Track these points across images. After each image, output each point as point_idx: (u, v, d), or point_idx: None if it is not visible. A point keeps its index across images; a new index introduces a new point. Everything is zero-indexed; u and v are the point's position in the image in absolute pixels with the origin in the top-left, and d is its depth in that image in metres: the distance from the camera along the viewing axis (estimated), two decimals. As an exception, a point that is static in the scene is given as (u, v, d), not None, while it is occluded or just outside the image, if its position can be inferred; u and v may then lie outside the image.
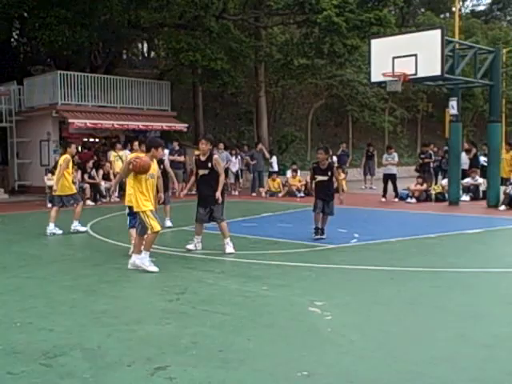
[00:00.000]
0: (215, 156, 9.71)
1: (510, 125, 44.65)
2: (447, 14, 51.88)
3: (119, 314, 5.96)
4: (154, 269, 8.00)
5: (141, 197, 8.16)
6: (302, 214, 15.60)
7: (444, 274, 7.92)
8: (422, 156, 21.43)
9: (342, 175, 23.12)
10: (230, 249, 9.46)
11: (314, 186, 11.20)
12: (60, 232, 11.71)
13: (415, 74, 14.54)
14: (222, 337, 5.21)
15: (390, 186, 19.01)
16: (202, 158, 9.58)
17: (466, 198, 18.27)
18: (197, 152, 10.19)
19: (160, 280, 7.53)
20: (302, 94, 34.66)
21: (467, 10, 63.53)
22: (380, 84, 17.04)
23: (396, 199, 18.70)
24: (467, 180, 18.96)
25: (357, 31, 22.51)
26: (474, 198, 18.26)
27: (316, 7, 21.75)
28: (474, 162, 20.04)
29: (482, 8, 66.28)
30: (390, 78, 14.82)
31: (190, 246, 9.71)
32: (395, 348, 4.96)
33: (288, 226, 12.84)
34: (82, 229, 12.01)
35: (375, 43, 15.67)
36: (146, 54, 37.92)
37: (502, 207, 15.64)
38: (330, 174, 10.79)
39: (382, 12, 22.36)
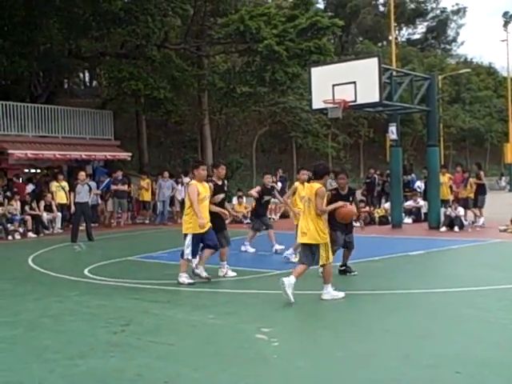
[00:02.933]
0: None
1: (448, 148, 46.14)
2: (384, 43, 53.51)
3: (62, 349, 5.80)
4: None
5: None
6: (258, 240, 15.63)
7: (389, 296, 8.03)
8: (368, 180, 21.85)
9: (288, 200, 23.33)
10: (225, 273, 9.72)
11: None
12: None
13: (355, 101, 14.86)
14: (167, 368, 5.13)
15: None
16: (219, 183, 9.92)
17: (408, 220, 18.67)
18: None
19: (104, 312, 7.38)
20: (246, 121, 34.95)
21: (403, 39, 65.72)
22: (321, 111, 17.35)
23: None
24: (409, 203, 19.40)
25: (297, 59, 22.95)
26: (416, 220, 18.68)
27: (257, 36, 22.08)
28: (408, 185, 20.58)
29: (417, 36, 68.64)
30: (331, 105, 15.10)
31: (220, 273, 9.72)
32: (341, 372, 4.98)
33: (235, 253, 12.78)
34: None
35: (315, 71, 15.97)
36: (88, 83, 37.61)
37: (443, 228, 16.04)
38: (351, 199, 9.42)
39: (322, 41, 22.88)
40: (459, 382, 4.70)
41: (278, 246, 12.32)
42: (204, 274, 9.21)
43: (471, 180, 17.37)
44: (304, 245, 7.86)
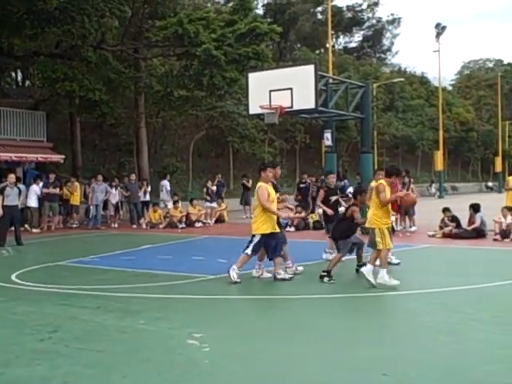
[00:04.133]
0: None
1: (381, 155, 47.18)
2: (322, 50, 54.29)
3: (-15, 358, 5.60)
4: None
5: None
6: (183, 245, 15.56)
7: (323, 301, 8.14)
8: (302, 185, 22.08)
9: (223, 205, 23.35)
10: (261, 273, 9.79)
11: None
12: None
13: (291, 107, 15.01)
14: (96, 375, 5.03)
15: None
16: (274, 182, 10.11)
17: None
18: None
19: (31, 318, 7.16)
20: (183, 125, 34.74)
21: (340, 47, 66.85)
22: (258, 116, 17.44)
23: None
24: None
25: (235, 64, 22.99)
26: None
27: (195, 40, 22.00)
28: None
29: (354, 45, 69.96)
30: (268, 111, 15.21)
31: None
32: (272, 376, 5.00)
33: (168, 258, 12.70)
34: None
35: (252, 76, 16.06)
36: (21, 83, 36.55)
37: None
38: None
39: (260, 47, 23.00)
40: (387, 383, 4.80)
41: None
42: (287, 276, 9.64)
43: (412, 187, 17.78)
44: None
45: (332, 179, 12.43)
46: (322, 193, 12.19)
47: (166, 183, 23.43)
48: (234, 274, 9.30)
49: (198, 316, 7.27)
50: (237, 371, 5.11)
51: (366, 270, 8.89)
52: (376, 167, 30.93)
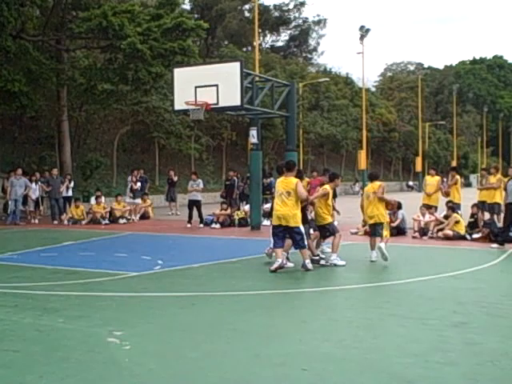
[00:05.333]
0: None
1: (307, 153, 47.91)
2: (249, 48, 54.46)
3: None
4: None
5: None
6: (106, 242, 15.28)
7: (244, 297, 8.17)
8: (227, 182, 22.10)
9: (148, 201, 23.09)
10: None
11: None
12: None
13: (217, 104, 15.02)
14: (11, 376, 4.86)
15: (195, 211, 19.30)
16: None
17: (267, 222, 19.07)
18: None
19: None
20: (108, 119, 34.08)
21: (267, 45, 67.32)
22: (184, 112, 17.32)
23: (201, 225, 19.02)
24: (268, 205, 19.83)
25: (161, 59, 22.75)
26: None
27: (120, 33, 21.61)
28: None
29: (280, 44, 70.59)
30: (193, 107, 15.15)
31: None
32: (193, 373, 4.99)
33: (90, 255, 12.43)
34: None
35: (178, 72, 15.95)
36: None
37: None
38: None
39: (186, 42, 22.86)
40: (306, 378, 4.87)
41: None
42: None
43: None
44: (372, 225, 11.60)
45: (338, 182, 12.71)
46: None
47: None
48: (311, 266, 10.24)
49: (118, 314, 7.16)
50: (158, 369, 5.07)
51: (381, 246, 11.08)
52: (302, 165, 31.27)
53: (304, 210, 10.76)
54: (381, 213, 11.48)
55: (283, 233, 10.19)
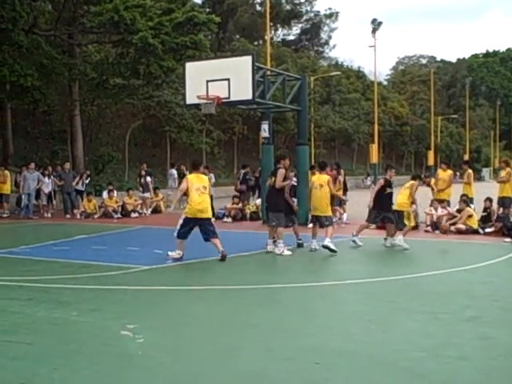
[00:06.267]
0: None
1: (318, 147, 47.81)
2: (260, 42, 54.37)
3: None
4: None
5: None
6: (118, 236, 15.35)
7: (255, 291, 8.19)
8: (247, 177, 22.07)
9: (160, 195, 23.14)
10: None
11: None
12: None
13: (228, 98, 14.97)
14: (24, 368, 4.91)
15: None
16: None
17: (278, 216, 19.06)
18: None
19: (-43, 311, 6.93)
20: (119, 113, 34.17)
21: (279, 39, 67.17)
22: (196, 106, 17.32)
23: (213, 219, 19.00)
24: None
25: (172, 53, 22.76)
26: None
27: (131, 28, 21.64)
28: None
29: (292, 37, 70.42)
30: (205, 101, 15.13)
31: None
32: (206, 367, 5.01)
33: (103, 249, 12.49)
34: None
35: (190, 66, 15.93)
36: None
37: (310, 225, 16.54)
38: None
39: (198, 36, 22.85)
40: (318, 372, 4.88)
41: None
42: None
43: (340, 178, 18.03)
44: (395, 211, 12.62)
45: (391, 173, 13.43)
46: (382, 182, 13.11)
47: (174, 172, 24.77)
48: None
49: (131, 307, 7.20)
50: (170, 363, 5.10)
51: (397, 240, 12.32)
52: (313, 159, 31.24)
53: (285, 200, 11.97)
54: (404, 201, 12.75)
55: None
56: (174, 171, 24.92)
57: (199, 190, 10.63)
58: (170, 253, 10.63)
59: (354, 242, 12.64)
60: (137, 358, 5.22)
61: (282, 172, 11.79)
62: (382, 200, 12.68)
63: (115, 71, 24.24)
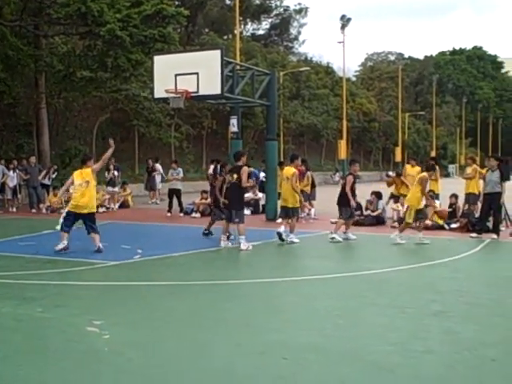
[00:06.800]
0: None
1: (287, 143, 47.91)
2: (230, 36, 54.17)
3: None
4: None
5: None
6: (85, 231, 15.12)
7: (224, 286, 8.17)
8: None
9: (128, 190, 22.94)
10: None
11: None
12: None
13: (197, 92, 14.91)
14: (-12, 366, 4.81)
15: (175, 200, 19.21)
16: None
17: (247, 211, 19.04)
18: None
19: None
20: (87, 107, 33.69)
21: (248, 33, 66.99)
22: (164, 100, 17.19)
23: (181, 214, 18.95)
24: (248, 194, 19.83)
25: (141, 46, 22.52)
26: (255, 212, 19.15)
27: (99, 20, 21.33)
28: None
29: (261, 32, 70.29)
30: (173, 95, 15.03)
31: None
32: (173, 363, 4.98)
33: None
34: None
35: (158, 59, 15.81)
36: None
37: (279, 220, 16.57)
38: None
39: (167, 29, 22.63)
40: (286, 367, 4.88)
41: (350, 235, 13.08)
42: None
43: (309, 173, 18.09)
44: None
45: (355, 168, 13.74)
46: (351, 178, 13.07)
47: (159, 167, 24.88)
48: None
49: (98, 303, 7.12)
50: (137, 358, 5.05)
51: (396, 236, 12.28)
52: (282, 155, 31.23)
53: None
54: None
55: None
56: (159, 166, 25.00)
57: (81, 186, 11.03)
58: (56, 246, 10.76)
59: (333, 238, 12.64)
60: (103, 354, 5.16)
61: (246, 170, 11.84)
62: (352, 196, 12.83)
63: (82, 63, 23.90)
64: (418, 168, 17.24)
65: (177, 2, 35.80)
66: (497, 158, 14.52)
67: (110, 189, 21.67)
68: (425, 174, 12.86)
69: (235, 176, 11.75)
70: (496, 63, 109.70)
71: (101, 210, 20.22)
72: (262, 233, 14.44)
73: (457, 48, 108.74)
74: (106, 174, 22.20)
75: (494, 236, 11.92)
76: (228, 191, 12.01)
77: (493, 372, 4.86)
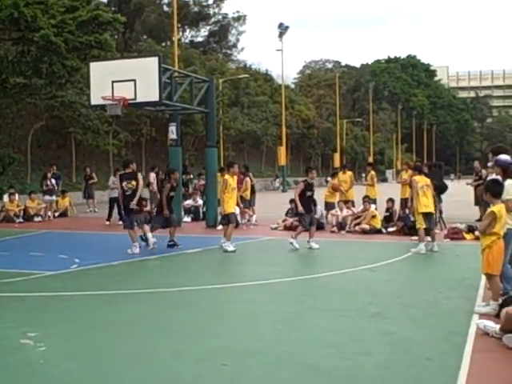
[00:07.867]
0: None
1: (227, 150, 47.97)
2: (168, 43, 53.89)
3: None
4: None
5: None
6: (20, 241, 14.77)
7: (164, 294, 8.10)
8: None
9: (67, 199, 22.45)
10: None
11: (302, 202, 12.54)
12: None
13: (135, 99, 14.75)
14: None
15: (115, 209, 18.91)
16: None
17: (187, 219, 19.00)
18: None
19: None
20: (21, 114, 32.80)
21: (187, 41, 66.81)
22: (101, 107, 16.93)
23: (120, 222, 18.67)
24: (188, 202, 19.77)
25: (77, 53, 22.15)
26: (195, 219, 19.08)
27: (32, 25, 20.85)
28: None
29: (200, 39, 70.25)
30: (110, 102, 14.83)
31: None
32: (112, 372, 4.91)
33: (4, 254, 11.95)
34: None
35: (94, 66, 15.57)
36: None
37: (220, 227, 16.57)
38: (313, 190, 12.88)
39: (103, 36, 22.34)
40: (226, 373, 4.89)
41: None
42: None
43: (247, 179, 18.16)
44: (427, 213, 11.98)
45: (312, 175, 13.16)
46: (301, 186, 12.93)
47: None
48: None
49: (33, 314, 6.93)
50: (75, 370, 4.95)
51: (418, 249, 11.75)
52: (222, 161, 31.27)
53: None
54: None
55: None
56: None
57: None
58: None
59: (291, 243, 12.42)
60: (39, 366, 5.04)
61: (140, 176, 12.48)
62: (304, 203, 12.60)
63: (15, 70, 23.28)
64: (349, 173, 18.00)
65: (114, 8, 35.38)
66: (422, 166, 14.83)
67: (47, 197, 21.12)
68: (415, 177, 12.45)
69: (133, 183, 12.05)
70: (429, 71, 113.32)
71: (36, 219, 19.75)
72: (202, 240, 14.43)
73: (392, 56, 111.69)
74: (43, 181, 21.63)
75: (429, 239, 12.23)
76: (124, 198, 12.29)
77: (428, 371, 4.99)
